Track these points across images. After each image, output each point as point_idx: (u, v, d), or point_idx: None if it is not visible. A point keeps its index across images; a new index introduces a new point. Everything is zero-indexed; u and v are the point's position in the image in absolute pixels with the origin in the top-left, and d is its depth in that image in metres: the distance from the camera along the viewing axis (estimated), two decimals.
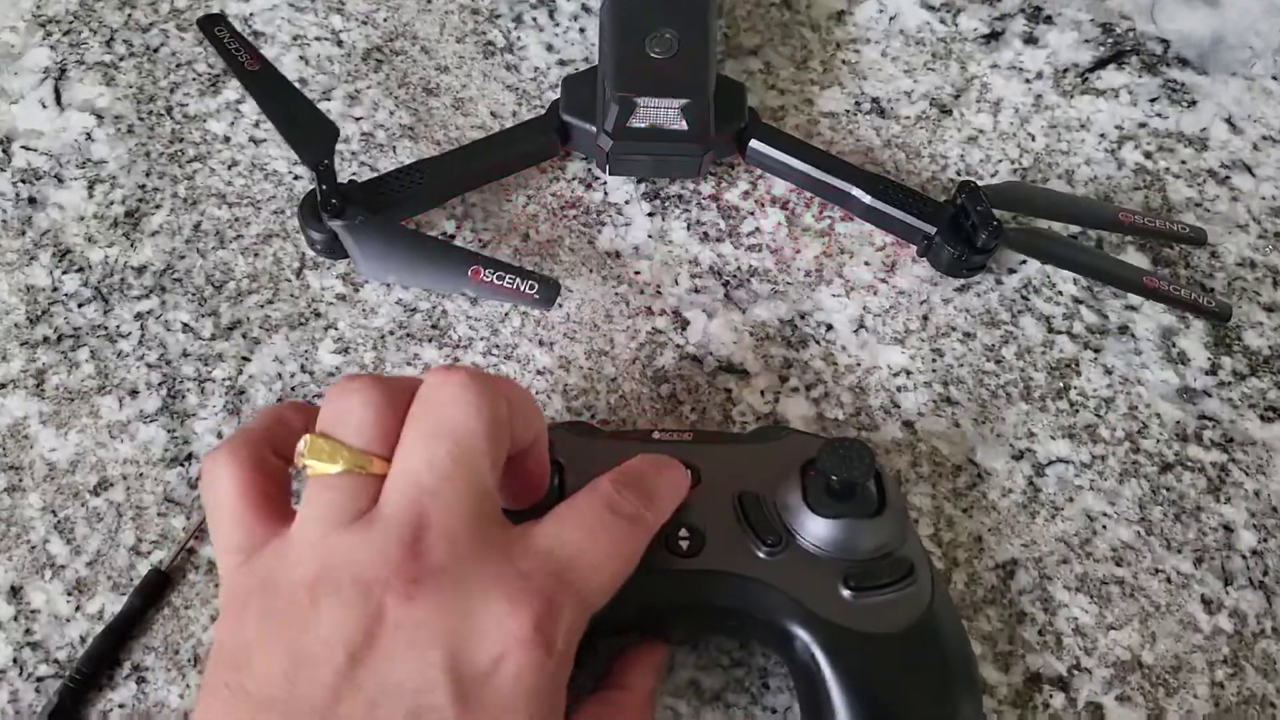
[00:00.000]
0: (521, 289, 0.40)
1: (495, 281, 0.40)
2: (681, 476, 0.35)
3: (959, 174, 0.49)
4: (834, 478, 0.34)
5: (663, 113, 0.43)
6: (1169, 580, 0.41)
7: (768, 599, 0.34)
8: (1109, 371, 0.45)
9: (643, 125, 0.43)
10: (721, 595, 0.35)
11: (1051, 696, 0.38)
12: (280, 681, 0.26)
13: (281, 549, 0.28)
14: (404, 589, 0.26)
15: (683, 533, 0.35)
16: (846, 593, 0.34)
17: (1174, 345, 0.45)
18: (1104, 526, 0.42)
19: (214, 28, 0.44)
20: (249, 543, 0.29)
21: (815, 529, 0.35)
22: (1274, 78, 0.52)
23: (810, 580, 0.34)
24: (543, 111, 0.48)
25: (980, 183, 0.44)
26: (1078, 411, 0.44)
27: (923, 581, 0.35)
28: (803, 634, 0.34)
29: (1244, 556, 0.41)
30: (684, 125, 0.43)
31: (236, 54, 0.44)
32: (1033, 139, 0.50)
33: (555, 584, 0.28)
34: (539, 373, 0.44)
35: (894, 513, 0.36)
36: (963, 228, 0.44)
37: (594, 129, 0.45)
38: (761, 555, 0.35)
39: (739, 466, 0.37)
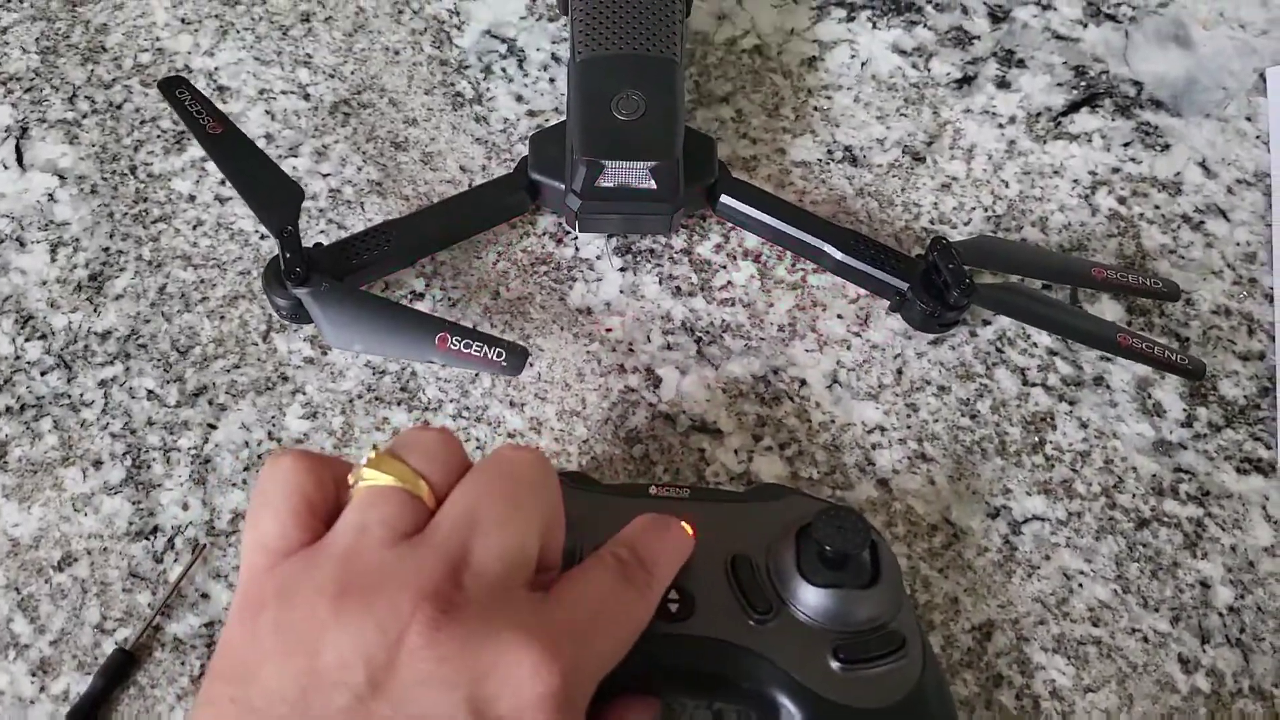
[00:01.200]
0: (489, 356, 0.40)
1: (462, 349, 0.40)
2: (684, 537, 0.35)
3: (932, 222, 0.48)
4: (827, 547, 0.34)
5: (631, 174, 0.42)
6: (1146, 639, 0.40)
7: (756, 668, 0.34)
8: (1084, 425, 0.44)
9: (611, 185, 0.43)
10: (709, 661, 0.34)
11: None
12: (292, 700, 0.25)
13: (310, 557, 0.27)
14: (434, 617, 0.26)
15: (673, 595, 0.35)
16: (836, 665, 0.34)
17: (1149, 397, 0.45)
18: (1080, 585, 0.41)
19: (175, 90, 0.44)
20: (282, 545, 0.28)
21: (807, 597, 0.34)
22: (1247, 119, 0.52)
23: (800, 651, 0.34)
24: (512, 166, 0.48)
25: (953, 233, 0.44)
26: (1053, 466, 0.44)
27: (913, 655, 0.35)
28: (789, 705, 0.34)
29: (1221, 614, 0.41)
30: (653, 185, 0.43)
31: (199, 117, 0.43)
32: (1006, 185, 0.50)
33: (575, 648, 0.28)
34: (510, 435, 0.43)
35: (889, 584, 0.35)
36: (935, 284, 0.43)
37: (562, 187, 0.44)
38: (751, 623, 0.34)
39: (733, 527, 0.37)
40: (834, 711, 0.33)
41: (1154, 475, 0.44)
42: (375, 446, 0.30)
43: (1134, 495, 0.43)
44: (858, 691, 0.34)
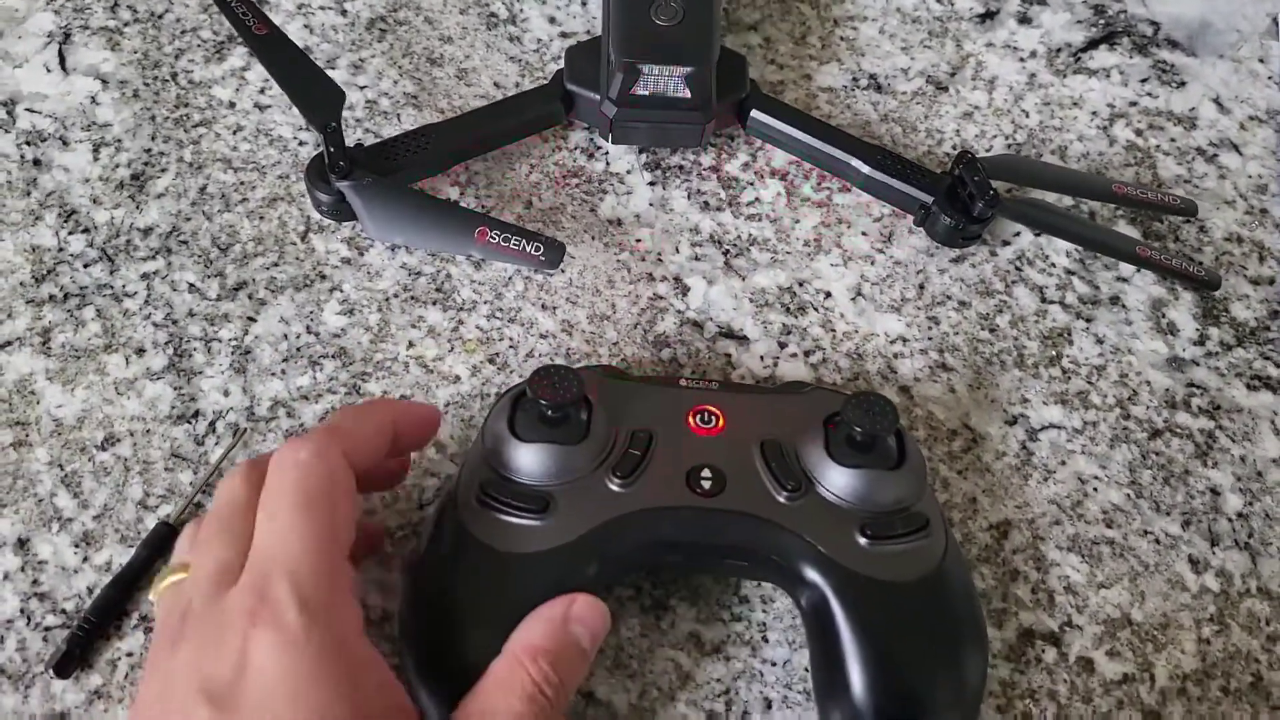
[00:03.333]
0: (527, 250, 0.41)
1: (501, 243, 0.41)
2: (605, 625, 0.34)
3: (954, 148, 0.50)
4: (857, 429, 0.35)
5: (666, 81, 0.43)
6: (1158, 541, 0.42)
7: (785, 542, 0.35)
8: (1100, 341, 0.46)
9: (646, 93, 0.44)
10: (739, 535, 0.36)
11: (1044, 651, 0.39)
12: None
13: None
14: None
15: (705, 473, 0.36)
16: (863, 540, 0.35)
17: (1163, 316, 0.46)
18: (1095, 489, 0.43)
19: None
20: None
21: (836, 478, 0.36)
22: (1260, 60, 0.53)
23: (828, 527, 0.35)
24: (545, 82, 0.49)
25: (977, 155, 0.45)
26: (1070, 379, 0.45)
27: (937, 536, 0.36)
28: (817, 578, 0.35)
29: (1230, 519, 0.42)
30: (687, 94, 0.44)
31: (244, 18, 0.44)
32: (1027, 115, 0.51)
33: None
34: (542, 336, 0.44)
35: (913, 467, 0.36)
36: (960, 197, 0.45)
37: (598, 97, 0.45)
38: (781, 500, 0.36)
39: (764, 416, 0.38)
40: (861, 584, 0.35)
41: (1167, 389, 0.45)
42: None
43: (1147, 407, 0.44)
44: (883, 566, 0.35)
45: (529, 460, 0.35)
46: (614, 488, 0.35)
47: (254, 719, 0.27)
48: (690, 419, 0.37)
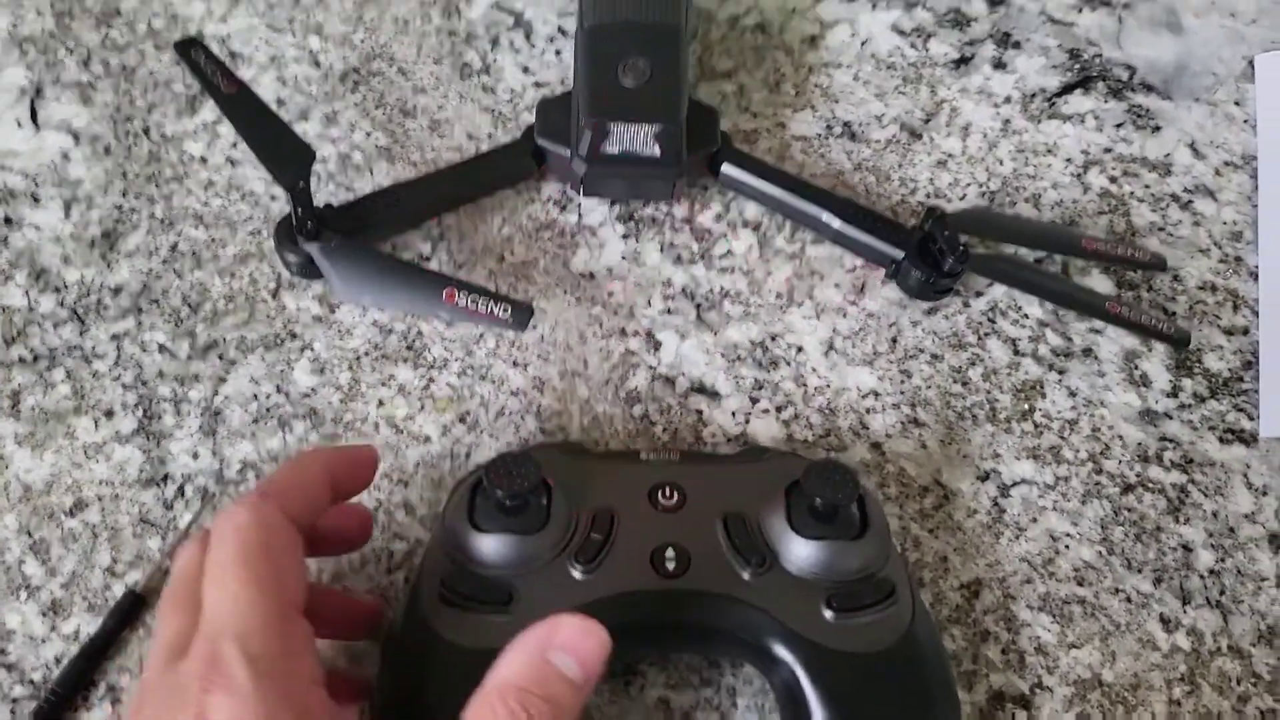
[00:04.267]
0: (494, 312, 0.41)
1: (469, 305, 0.41)
2: (599, 647, 0.31)
3: (928, 197, 0.50)
4: (818, 500, 0.35)
5: (636, 138, 0.43)
6: (1129, 599, 0.42)
7: (751, 619, 0.35)
8: (1073, 394, 0.46)
9: (616, 150, 0.44)
10: (706, 615, 0.36)
11: (1014, 715, 0.39)
12: None
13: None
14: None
15: (669, 553, 0.36)
16: (829, 613, 0.35)
17: (1136, 368, 0.46)
18: (1066, 546, 0.43)
19: (190, 51, 0.44)
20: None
21: (799, 550, 0.36)
22: (1236, 103, 0.53)
23: (793, 601, 0.35)
24: (518, 134, 0.48)
25: (948, 207, 0.45)
26: (1042, 433, 0.45)
27: (903, 602, 0.36)
28: (785, 654, 0.35)
29: (1202, 576, 0.42)
30: (657, 150, 0.44)
31: (212, 77, 0.44)
32: (1001, 163, 0.51)
33: None
34: (513, 393, 0.44)
35: (876, 534, 0.36)
36: (930, 252, 0.44)
37: (568, 153, 0.45)
38: (746, 576, 0.35)
39: (724, 487, 0.38)
40: (829, 657, 0.35)
41: (1139, 443, 0.45)
42: None
43: (1120, 462, 0.44)
44: (851, 638, 0.35)
45: (489, 550, 0.35)
46: (577, 575, 0.35)
47: None
48: (651, 496, 0.37)
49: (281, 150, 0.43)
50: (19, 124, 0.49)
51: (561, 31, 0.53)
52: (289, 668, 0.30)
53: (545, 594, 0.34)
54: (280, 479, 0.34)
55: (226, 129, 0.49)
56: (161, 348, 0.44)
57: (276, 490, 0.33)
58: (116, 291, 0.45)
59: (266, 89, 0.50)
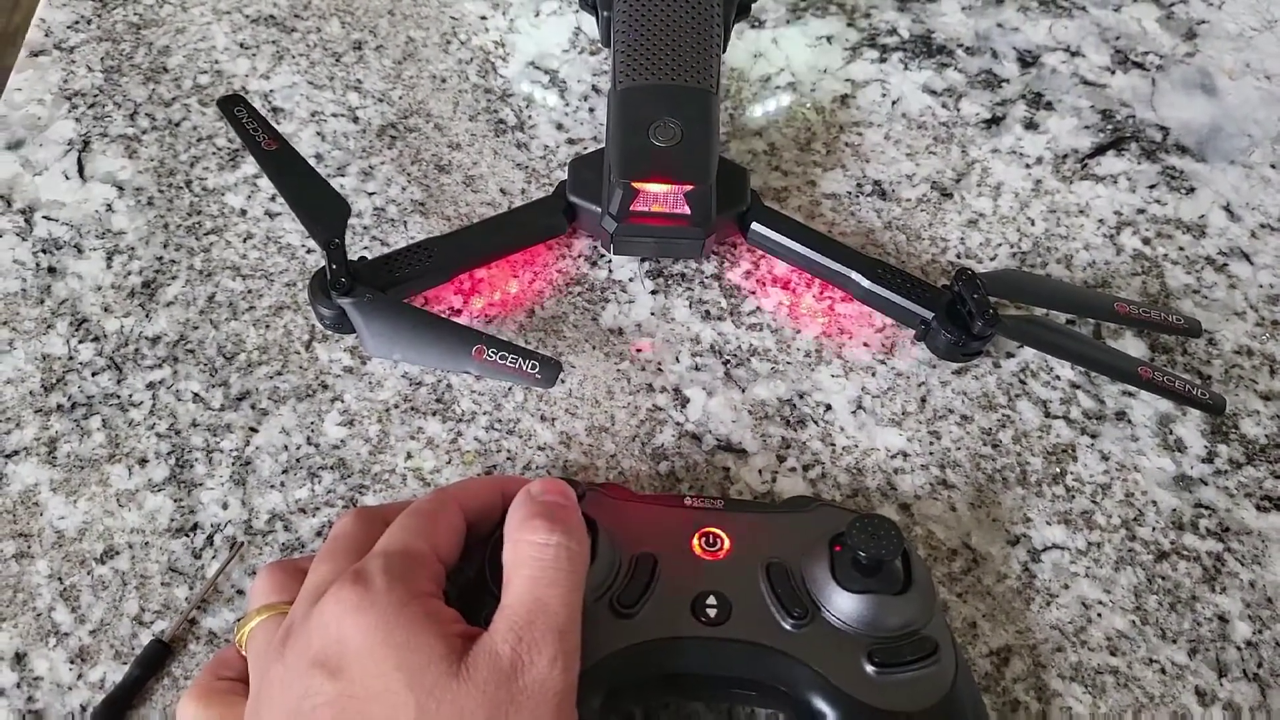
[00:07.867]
0: (523, 368, 0.41)
1: (498, 361, 0.41)
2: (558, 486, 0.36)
3: (959, 257, 0.49)
4: (862, 553, 0.35)
5: (666, 198, 0.44)
6: (1163, 671, 0.41)
7: (792, 671, 0.35)
8: (1105, 458, 0.45)
9: (646, 209, 0.44)
10: (746, 666, 0.35)
11: None
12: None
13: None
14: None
15: (710, 600, 0.35)
16: (870, 669, 0.34)
17: (1171, 432, 0.46)
18: (1099, 615, 0.42)
19: (233, 108, 0.46)
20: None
21: (841, 603, 0.35)
22: (1272, 166, 0.53)
23: (835, 654, 0.35)
24: (550, 190, 0.49)
25: (978, 268, 0.45)
26: (1074, 497, 0.44)
27: (946, 661, 0.35)
28: (825, 708, 0.34)
29: (1239, 648, 0.41)
30: (687, 210, 0.44)
31: (254, 134, 0.45)
32: (1032, 223, 0.51)
33: (527, 630, 0.31)
34: (540, 448, 0.44)
35: (920, 590, 0.36)
36: (960, 314, 0.44)
37: (599, 210, 0.46)
38: (787, 627, 0.35)
39: (768, 536, 0.38)
40: (869, 715, 0.34)
41: (1174, 509, 0.44)
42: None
43: (1154, 528, 0.44)
44: (892, 695, 0.34)
45: None
46: (618, 618, 0.35)
47: (358, 666, 0.30)
48: (695, 542, 0.37)
49: (318, 206, 0.44)
50: (66, 176, 0.50)
51: (595, 90, 0.54)
52: (416, 577, 0.32)
53: (586, 636, 0.34)
54: (467, 486, 0.38)
55: (266, 183, 0.50)
56: (196, 397, 0.45)
57: (458, 492, 0.37)
58: (154, 341, 0.46)
59: (306, 143, 0.51)
